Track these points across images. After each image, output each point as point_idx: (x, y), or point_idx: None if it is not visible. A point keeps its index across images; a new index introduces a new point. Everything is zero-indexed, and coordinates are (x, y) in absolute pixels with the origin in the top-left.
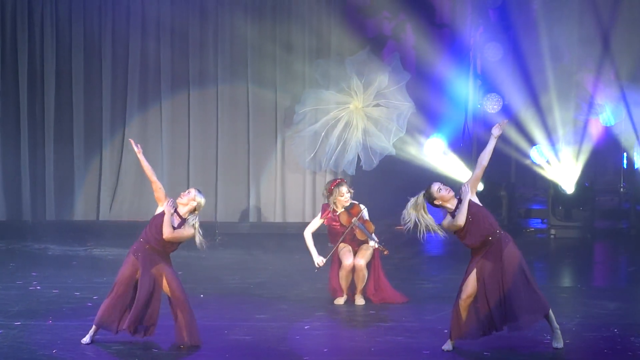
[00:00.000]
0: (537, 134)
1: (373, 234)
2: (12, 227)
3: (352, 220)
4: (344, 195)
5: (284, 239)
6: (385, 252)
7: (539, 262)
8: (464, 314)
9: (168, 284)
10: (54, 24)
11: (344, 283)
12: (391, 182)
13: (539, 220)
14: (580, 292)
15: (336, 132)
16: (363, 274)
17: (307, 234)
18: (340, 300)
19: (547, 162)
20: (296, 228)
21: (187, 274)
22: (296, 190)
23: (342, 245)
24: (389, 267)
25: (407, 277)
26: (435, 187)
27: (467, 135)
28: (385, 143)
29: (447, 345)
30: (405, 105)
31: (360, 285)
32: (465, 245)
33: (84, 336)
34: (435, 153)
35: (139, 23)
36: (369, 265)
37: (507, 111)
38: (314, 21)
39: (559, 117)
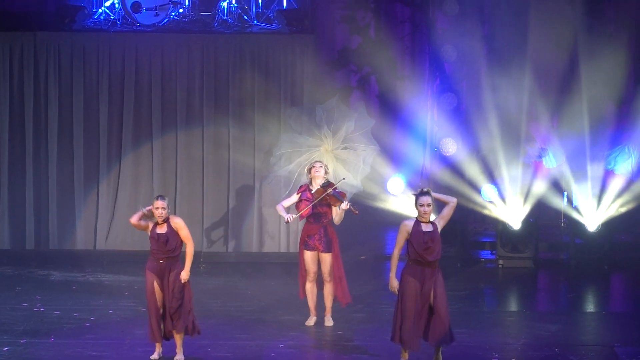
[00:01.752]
0: (487, 175)
1: (344, 199)
2: (17, 255)
3: (327, 191)
4: (316, 167)
5: (262, 267)
6: (356, 212)
7: (489, 288)
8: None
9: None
10: (57, 73)
11: (311, 303)
12: (357, 217)
13: (489, 252)
14: (526, 316)
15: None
16: (331, 288)
17: (279, 205)
18: (310, 322)
19: (496, 199)
20: (273, 257)
21: None
22: (272, 223)
23: (305, 254)
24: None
25: (372, 301)
26: (425, 201)
27: (424, 174)
28: (353, 182)
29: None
30: (370, 148)
31: (329, 305)
32: (409, 254)
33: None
34: (396, 190)
35: (132, 71)
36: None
37: (461, 153)
38: (288, 73)
39: (507, 160)
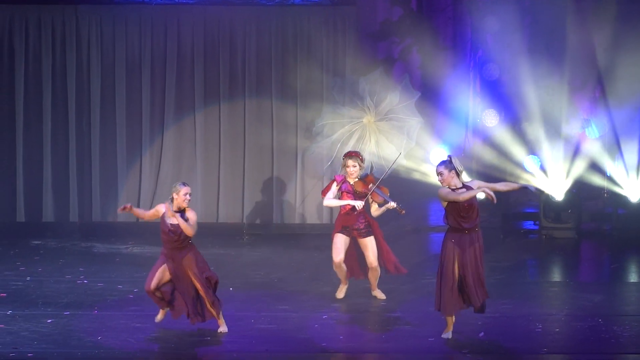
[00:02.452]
0: (529, 146)
1: (389, 196)
2: (61, 228)
3: (369, 186)
4: (350, 168)
5: (304, 238)
6: (402, 212)
7: (532, 259)
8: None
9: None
10: (99, 45)
11: (341, 275)
12: (400, 188)
13: (532, 223)
14: (569, 287)
15: (351, 143)
16: (377, 272)
17: (329, 200)
18: (340, 294)
19: (537, 171)
20: (314, 229)
21: (217, 270)
22: (314, 194)
23: (337, 237)
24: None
25: (415, 272)
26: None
27: (467, 146)
28: (396, 153)
29: (447, 334)
30: (414, 120)
31: (374, 282)
32: (448, 221)
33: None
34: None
35: (174, 44)
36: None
37: (503, 125)
38: (330, 44)
39: (549, 131)
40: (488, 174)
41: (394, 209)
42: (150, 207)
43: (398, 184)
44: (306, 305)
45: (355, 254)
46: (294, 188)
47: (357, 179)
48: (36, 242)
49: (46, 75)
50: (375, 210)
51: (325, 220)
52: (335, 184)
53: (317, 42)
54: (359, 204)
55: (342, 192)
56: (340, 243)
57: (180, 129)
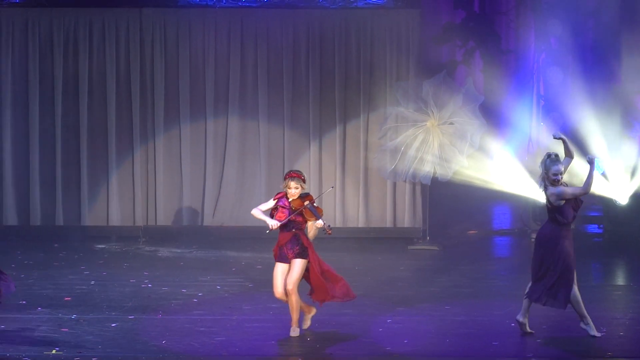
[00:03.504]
0: (592, 149)
1: (320, 215)
2: (125, 232)
3: (305, 204)
4: (291, 189)
5: (367, 242)
6: (329, 232)
7: (596, 262)
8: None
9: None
10: (163, 49)
11: (293, 307)
12: (463, 192)
13: (596, 226)
14: (633, 290)
15: (414, 146)
16: (294, 299)
17: (256, 211)
18: (304, 323)
19: (602, 174)
20: (378, 232)
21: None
22: (378, 198)
23: (275, 267)
24: (459, 270)
25: (479, 276)
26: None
27: (531, 149)
28: (459, 157)
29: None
30: (477, 124)
31: (295, 317)
32: (561, 218)
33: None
34: (503, 165)
35: (237, 47)
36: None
37: (565, 128)
38: (394, 48)
39: (612, 134)
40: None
41: (322, 229)
42: (215, 210)
43: (460, 188)
44: (370, 309)
45: (319, 276)
46: (358, 190)
47: (296, 197)
48: (100, 246)
49: (110, 78)
50: (310, 230)
51: (389, 224)
52: (272, 199)
53: (381, 45)
54: (273, 224)
55: (278, 207)
56: (277, 274)
57: (244, 132)
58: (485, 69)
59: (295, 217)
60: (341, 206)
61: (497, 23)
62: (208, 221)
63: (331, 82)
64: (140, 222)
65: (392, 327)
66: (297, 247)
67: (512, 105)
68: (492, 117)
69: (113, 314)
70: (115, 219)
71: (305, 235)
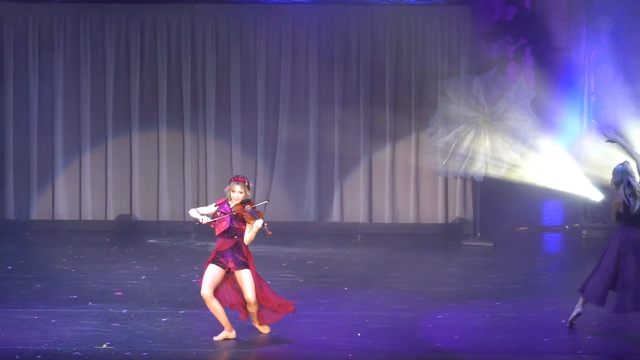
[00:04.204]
0: None
1: (261, 218)
2: (176, 227)
3: (245, 207)
4: (235, 193)
5: (418, 238)
6: (269, 233)
7: None
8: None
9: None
10: (214, 44)
11: (218, 316)
12: (513, 189)
13: None
14: None
15: (466, 143)
16: (257, 307)
17: (193, 210)
18: (223, 336)
19: None
20: (429, 228)
21: (332, 269)
22: (430, 194)
23: (208, 267)
24: (510, 267)
25: (529, 272)
26: None
27: (581, 146)
28: (512, 154)
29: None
30: (529, 120)
31: (256, 317)
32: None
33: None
34: (554, 162)
35: (289, 42)
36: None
37: (616, 126)
38: (445, 44)
39: None
40: (598, 177)
41: (262, 230)
42: (264, 210)
43: (511, 184)
44: (420, 305)
45: (234, 289)
46: (409, 187)
47: (237, 202)
48: (151, 241)
49: (161, 73)
50: (247, 231)
51: (441, 219)
52: (213, 205)
53: (432, 42)
54: (203, 219)
55: (220, 213)
56: (210, 271)
57: (293, 127)
58: (536, 66)
59: (237, 223)
60: (391, 203)
61: (548, 20)
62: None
63: (382, 79)
64: (189, 217)
65: (442, 323)
66: (240, 257)
67: (562, 102)
68: (543, 114)
69: (164, 308)
70: (166, 214)
71: (245, 245)
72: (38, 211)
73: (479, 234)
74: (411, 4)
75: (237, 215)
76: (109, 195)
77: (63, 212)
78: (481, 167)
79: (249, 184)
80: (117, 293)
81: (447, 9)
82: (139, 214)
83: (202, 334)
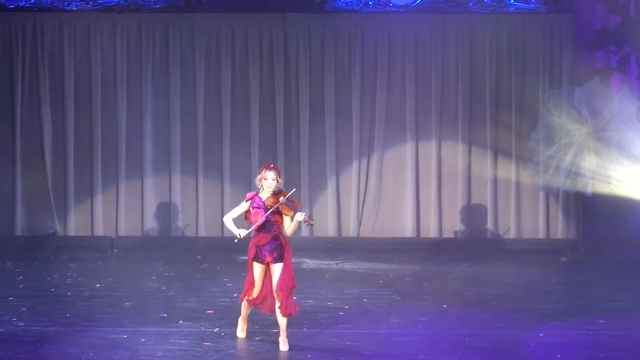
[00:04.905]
0: None
1: (297, 208)
2: None
3: (280, 199)
4: (268, 180)
5: (519, 254)
6: (311, 223)
7: None
8: None
9: None
10: (308, 55)
11: (245, 313)
12: (618, 202)
13: None
14: None
15: (569, 157)
16: (280, 298)
17: (227, 218)
18: (241, 333)
19: None
20: (530, 244)
21: (428, 285)
22: (531, 209)
23: (254, 267)
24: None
25: (635, 289)
26: None
27: None
28: (619, 168)
29: None
30: (634, 131)
31: (283, 325)
32: None
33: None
34: None
35: (385, 53)
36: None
37: None
38: (546, 54)
39: None
40: None
41: (303, 222)
42: (360, 226)
43: (615, 198)
44: (521, 322)
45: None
46: (509, 202)
47: (269, 194)
48: (243, 257)
49: (253, 84)
50: (288, 226)
51: (542, 235)
52: (244, 202)
53: (533, 51)
54: (240, 232)
55: (253, 208)
56: (257, 271)
57: (389, 141)
58: None
59: (272, 215)
60: (493, 217)
61: None
62: (354, 232)
63: (481, 91)
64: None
65: (544, 341)
66: (277, 251)
67: None
68: None
69: (256, 327)
70: None
71: (284, 235)
72: (126, 228)
73: (582, 249)
74: (511, 13)
75: (272, 208)
76: (200, 210)
77: (153, 229)
78: (587, 182)
79: (280, 172)
80: (208, 311)
81: (549, 18)
82: (226, 229)
83: (295, 353)
